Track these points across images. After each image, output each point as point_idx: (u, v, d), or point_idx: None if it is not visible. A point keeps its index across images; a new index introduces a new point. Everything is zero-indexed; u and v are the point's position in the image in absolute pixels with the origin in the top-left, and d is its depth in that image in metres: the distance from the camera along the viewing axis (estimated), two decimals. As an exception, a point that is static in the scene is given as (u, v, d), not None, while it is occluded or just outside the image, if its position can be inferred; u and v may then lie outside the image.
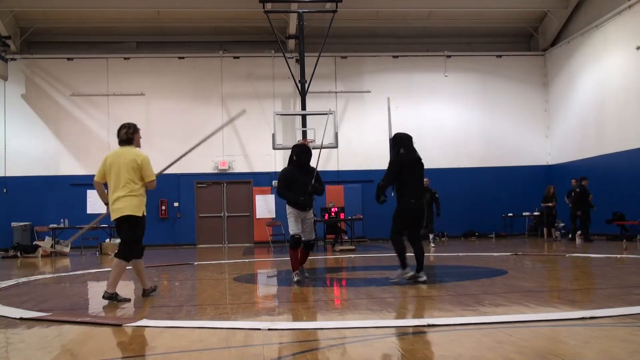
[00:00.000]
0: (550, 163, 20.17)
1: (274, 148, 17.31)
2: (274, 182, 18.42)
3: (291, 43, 19.27)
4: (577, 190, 15.48)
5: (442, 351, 3.73)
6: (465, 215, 19.22)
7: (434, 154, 18.29)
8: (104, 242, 16.15)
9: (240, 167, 19.38)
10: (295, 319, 5.16)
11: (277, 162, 18.99)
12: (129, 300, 6.21)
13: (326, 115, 14.80)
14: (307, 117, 17.26)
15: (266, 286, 8.24)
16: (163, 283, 8.22)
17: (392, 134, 7.59)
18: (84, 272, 10.46)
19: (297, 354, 3.68)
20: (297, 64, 18.03)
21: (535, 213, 18.32)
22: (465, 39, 20.60)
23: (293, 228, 7.55)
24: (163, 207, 18.87)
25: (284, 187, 7.55)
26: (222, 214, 19.36)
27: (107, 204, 6.31)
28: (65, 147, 18.96)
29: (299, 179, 7.50)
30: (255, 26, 19.14)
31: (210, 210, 19.31)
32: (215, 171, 19.29)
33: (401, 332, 4.37)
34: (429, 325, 4.40)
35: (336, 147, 17.17)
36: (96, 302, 6.41)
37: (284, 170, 7.81)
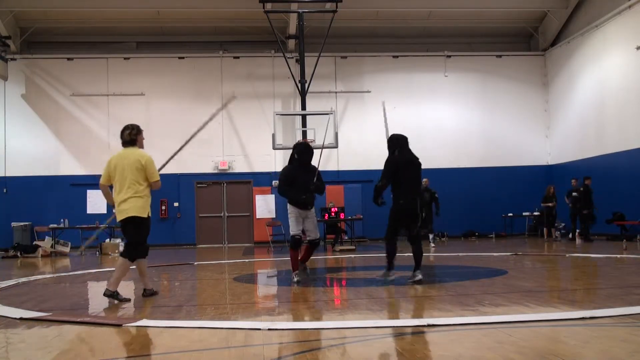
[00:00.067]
0: (550, 163, 20.17)
1: (274, 148, 17.32)
2: (274, 182, 18.43)
3: (291, 43, 19.27)
4: (581, 189, 15.50)
5: (442, 351, 3.73)
6: (465, 215, 19.22)
7: (434, 154, 18.32)
8: (104, 242, 16.14)
9: (240, 167, 19.38)
10: (295, 319, 5.17)
11: (277, 162, 18.99)
12: (129, 300, 6.22)
13: (326, 115, 14.83)
14: (307, 117, 17.27)
15: (266, 286, 8.24)
16: (163, 283, 8.23)
17: (389, 136, 7.61)
18: (84, 272, 10.46)
19: (297, 354, 3.68)
20: (297, 64, 18.03)
21: (535, 213, 18.32)
22: (465, 39, 20.60)
23: (294, 228, 7.54)
24: (163, 207, 18.87)
25: (285, 185, 7.52)
26: (222, 214, 19.36)
27: (114, 205, 6.34)
28: (65, 147, 18.96)
29: (300, 178, 7.47)
30: (255, 26, 19.14)
31: (210, 210, 19.31)
32: (215, 171, 19.29)
33: (401, 332, 4.38)
34: (428, 325, 4.40)
35: (336, 147, 17.17)
36: (96, 302, 6.42)
37: (285, 168, 7.80)
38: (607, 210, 15.94)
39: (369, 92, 19.63)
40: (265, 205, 18.82)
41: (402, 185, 7.09)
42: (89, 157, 18.57)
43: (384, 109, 8.57)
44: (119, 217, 6.24)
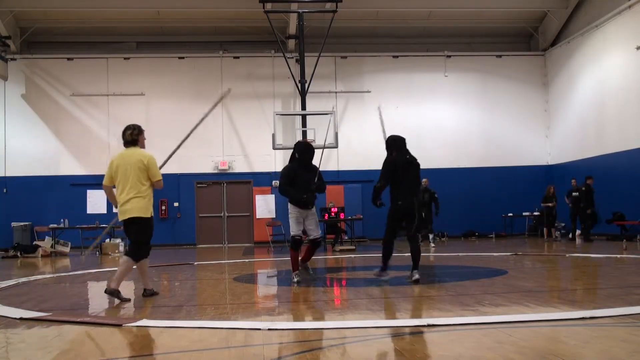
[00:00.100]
0: (550, 163, 20.17)
1: (274, 148, 17.32)
2: (274, 182, 18.44)
3: (291, 43, 19.27)
4: (583, 189, 15.51)
5: (442, 351, 3.73)
6: (465, 215, 19.23)
7: (434, 154, 18.33)
8: (104, 242, 16.14)
9: (240, 167, 19.38)
10: (295, 319, 5.17)
11: (277, 162, 18.99)
12: (129, 300, 6.22)
13: (326, 115, 14.82)
14: (307, 117, 17.26)
15: (266, 286, 8.24)
16: (163, 283, 8.22)
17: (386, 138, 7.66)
18: (84, 272, 10.46)
19: (297, 354, 3.68)
20: (297, 64, 18.03)
21: (535, 213, 18.31)
22: (465, 39, 20.61)
23: (294, 229, 7.53)
24: (163, 207, 18.87)
25: (286, 184, 7.49)
26: (222, 214, 19.36)
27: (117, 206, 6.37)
28: (65, 147, 18.95)
29: (301, 177, 7.45)
30: (255, 26, 19.14)
31: (210, 210, 19.31)
32: (215, 171, 19.29)
33: (401, 332, 4.37)
34: (428, 325, 4.40)
35: (336, 147, 17.17)
36: (96, 302, 6.42)
37: (286, 168, 7.75)
38: (607, 210, 15.94)
39: (369, 92, 19.64)
40: (265, 205, 18.83)
41: (400, 186, 7.12)
42: (89, 157, 18.58)
43: (380, 113, 8.61)
44: (122, 217, 6.26)
